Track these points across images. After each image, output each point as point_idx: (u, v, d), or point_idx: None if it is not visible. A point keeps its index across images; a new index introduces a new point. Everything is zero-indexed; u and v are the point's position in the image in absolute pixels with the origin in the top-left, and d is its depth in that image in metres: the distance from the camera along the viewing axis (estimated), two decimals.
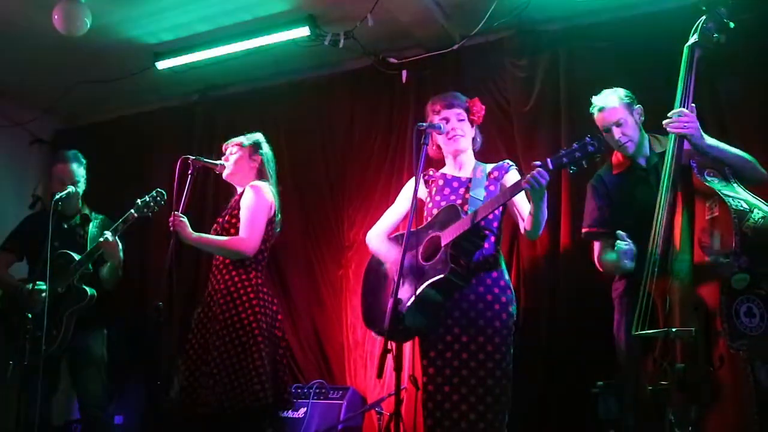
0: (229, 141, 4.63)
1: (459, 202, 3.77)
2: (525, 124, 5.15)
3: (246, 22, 5.49)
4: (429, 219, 3.84)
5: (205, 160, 4.46)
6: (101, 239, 4.73)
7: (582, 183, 4.77)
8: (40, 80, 6.42)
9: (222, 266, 4.33)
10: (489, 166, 3.91)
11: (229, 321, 4.14)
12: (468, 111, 3.94)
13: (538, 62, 5.21)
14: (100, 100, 6.85)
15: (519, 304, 4.75)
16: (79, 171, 5.12)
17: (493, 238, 3.77)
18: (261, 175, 4.52)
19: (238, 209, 4.34)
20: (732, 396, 3.00)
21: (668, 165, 3.32)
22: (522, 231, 3.77)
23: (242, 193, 4.41)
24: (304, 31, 5.40)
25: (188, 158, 4.33)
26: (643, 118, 3.81)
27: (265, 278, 4.43)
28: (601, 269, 3.93)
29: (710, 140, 3.43)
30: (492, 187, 3.78)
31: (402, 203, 4.13)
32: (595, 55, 5.00)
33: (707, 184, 3.22)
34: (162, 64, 5.99)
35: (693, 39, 3.46)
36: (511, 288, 3.78)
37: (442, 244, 3.56)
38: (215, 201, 6.23)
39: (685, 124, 3.34)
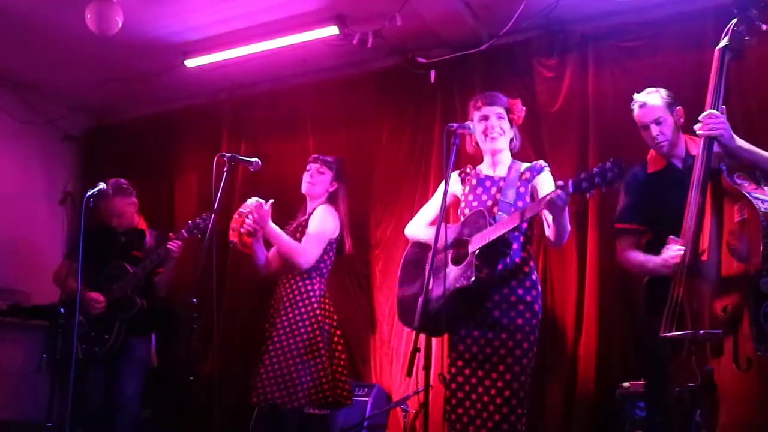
0: (319, 156, 4.85)
1: (489, 203, 3.79)
2: (553, 124, 5.15)
3: (274, 21, 5.51)
4: (462, 218, 3.86)
5: (241, 157, 4.50)
6: (170, 244, 4.94)
7: None
8: (71, 78, 6.51)
9: (290, 275, 4.64)
10: (524, 166, 3.91)
11: (293, 326, 4.47)
12: (508, 111, 3.95)
13: (566, 62, 5.21)
14: (129, 98, 6.94)
15: (546, 304, 4.78)
16: (126, 200, 5.26)
17: (522, 239, 3.79)
18: (332, 199, 4.79)
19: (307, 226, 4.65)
20: (758, 398, 2.99)
21: (698, 167, 3.32)
22: (547, 238, 3.79)
23: (312, 212, 4.71)
24: (332, 30, 5.42)
25: (224, 155, 4.37)
26: (682, 120, 3.79)
27: (326, 287, 4.70)
28: (624, 266, 3.92)
29: (740, 142, 3.41)
30: (522, 189, 3.79)
31: (439, 199, 4.14)
32: (623, 55, 5.00)
33: (736, 187, 3.21)
34: (190, 63, 6.03)
35: (724, 42, 3.43)
36: (538, 288, 3.79)
37: (469, 251, 3.61)
38: (242, 198, 6.27)
39: (715, 125, 3.33)
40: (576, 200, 4.78)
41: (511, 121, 3.96)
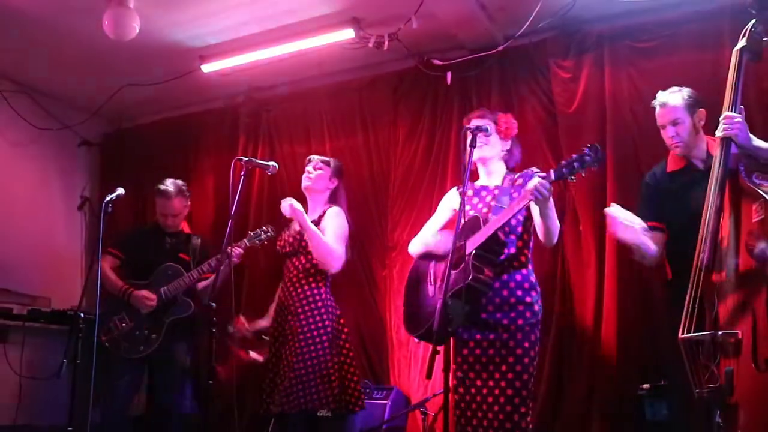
0: (316, 156, 4.88)
1: (485, 210, 3.84)
2: (569, 125, 5.14)
3: (290, 24, 5.53)
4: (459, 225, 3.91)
5: (258, 161, 4.54)
6: (238, 245, 4.97)
7: (626, 183, 4.75)
8: (88, 83, 6.55)
9: (295, 279, 4.60)
10: (517, 174, 3.99)
11: (301, 332, 4.44)
12: (495, 123, 4.01)
13: (582, 62, 5.20)
14: (146, 103, 6.97)
15: (564, 305, 4.76)
16: (185, 203, 5.49)
17: (520, 243, 3.84)
18: (334, 199, 4.79)
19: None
20: None
21: (716, 168, 3.31)
22: (539, 240, 3.85)
23: (322, 216, 4.68)
24: (348, 34, 5.44)
25: (241, 159, 4.38)
26: (703, 122, 3.76)
27: (331, 291, 4.70)
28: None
29: (757, 141, 3.41)
30: (515, 194, 3.83)
31: (442, 213, 4.25)
32: (639, 55, 5.00)
33: (755, 187, 3.19)
34: (207, 67, 6.05)
35: (741, 43, 3.42)
36: (537, 289, 3.85)
37: (466, 254, 3.66)
38: (258, 202, 6.33)
39: (731, 125, 3.32)
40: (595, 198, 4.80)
41: (499, 132, 4.01)
